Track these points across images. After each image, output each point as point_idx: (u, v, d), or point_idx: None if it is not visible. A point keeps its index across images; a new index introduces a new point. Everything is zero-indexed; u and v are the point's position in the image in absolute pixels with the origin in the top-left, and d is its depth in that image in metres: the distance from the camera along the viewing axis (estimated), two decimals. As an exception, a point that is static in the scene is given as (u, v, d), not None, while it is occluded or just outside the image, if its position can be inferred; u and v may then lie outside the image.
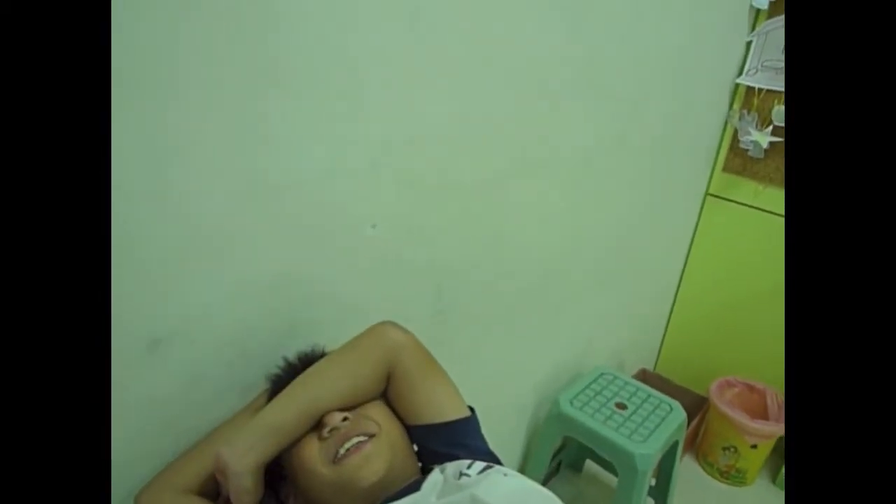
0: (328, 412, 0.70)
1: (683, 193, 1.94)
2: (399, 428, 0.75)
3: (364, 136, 0.83)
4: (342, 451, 0.67)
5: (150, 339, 0.70)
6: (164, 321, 0.71)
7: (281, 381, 0.75)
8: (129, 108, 0.59)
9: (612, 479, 1.74)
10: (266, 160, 0.73)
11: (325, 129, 0.78)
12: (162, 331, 0.71)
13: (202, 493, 0.69)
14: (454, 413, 0.76)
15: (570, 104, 1.20)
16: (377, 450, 0.68)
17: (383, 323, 0.79)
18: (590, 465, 1.91)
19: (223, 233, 0.72)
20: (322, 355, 0.79)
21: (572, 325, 1.65)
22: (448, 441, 0.74)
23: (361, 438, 0.68)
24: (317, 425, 0.70)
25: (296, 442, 0.69)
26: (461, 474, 0.67)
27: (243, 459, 0.65)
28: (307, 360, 0.78)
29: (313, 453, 0.68)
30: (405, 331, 0.79)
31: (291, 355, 0.81)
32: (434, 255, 1.04)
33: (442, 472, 0.70)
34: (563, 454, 1.89)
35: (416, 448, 0.78)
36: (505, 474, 0.67)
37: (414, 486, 0.67)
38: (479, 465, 0.68)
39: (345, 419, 0.69)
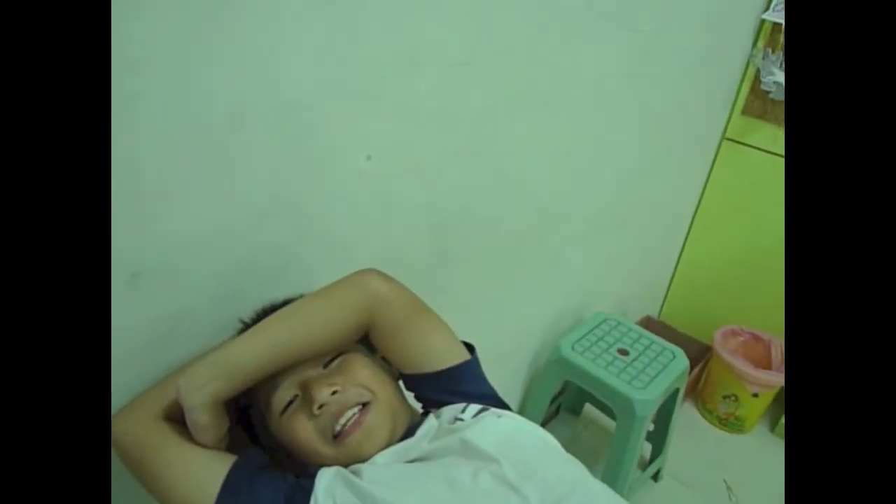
0: (315, 384, 0.66)
1: (698, 136, 1.86)
2: (390, 384, 0.72)
3: (361, 56, 0.77)
4: (338, 426, 0.64)
5: (130, 271, 0.67)
6: (146, 253, 0.67)
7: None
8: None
9: (610, 423, 1.75)
10: (255, 80, 0.67)
11: (319, 47, 0.71)
12: (143, 263, 0.67)
13: (180, 419, 0.65)
14: (451, 359, 0.72)
15: (583, 33, 1.12)
16: (377, 420, 0.65)
17: (365, 271, 0.73)
18: (588, 408, 1.92)
19: (209, 158, 0.67)
20: None
21: (575, 270, 1.61)
22: (446, 389, 0.71)
23: (356, 410, 0.65)
24: (305, 399, 0.65)
25: (287, 423, 0.66)
26: (455, 419, 0.66)
27: (198, 393, 0.61)
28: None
29: (309, 433, 0.65)
30: (389, 280, 0.73)
31: (279, 298, 0.77)
32: (433, 192, 0.99)
33: (437, 417, 0.68)
34: (563, 398, 1.90)
35: (413, 394, 0.75)
36: (499, 416, 0.65)
37: (409, 433, 0.66)
38: (474, 408, 0.66)
39: (334, 393, 0.64)
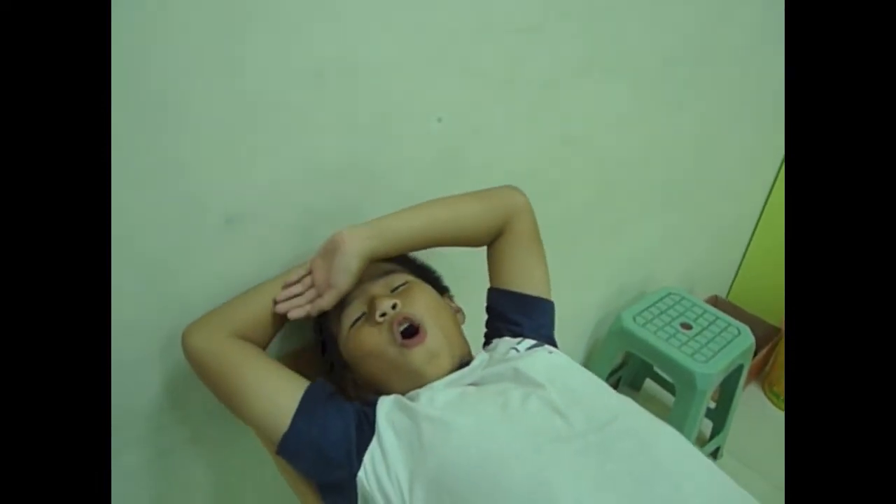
0: (379, 297, 0.71)
1: (777, 108, 1.79)
2: (450, 316, 0.76)
3: (432, 22, 0.81)
4: (401, 329, 0.69)
5: (225, 216, 0.75)
6: (239, 199, 0.75)
7: None
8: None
9: (670, 399, 1.74)
10: (334, 44, 0.73)
11: (394, 14, 0.76)
12: (236, 208, 0.75)
13: (249, 338, 0.73)
14: (541, 292, 0.80)
15: (652, 3, 1.10)
16: (438, 346, 0.70)
17: (514, 187, 0.84)
18: (649, 384, 1.91)
19: (293, 114, 0.74)
20: None
21: (639, 243, 1.60)
22: (521, 310, 0.78)
23: (414, 323, 0.70)
24: (370, 311, 0.71)
25: (354, 334, 0.72)
26: (510, 349, 0.70)
27: (361, 243, 0.69)
28: None
29: (374, 337, 0.70)
30: (529, 202, 0.83)
31: None
32: (498, 156, 1.03)
33: (492, 350, 0.72)
34: (623, 371, 1.90)
35: (491, 309, 0.82)
36: (550, 352, 0.69)
37: (465, 363, 0.70)
38: (529, 342, 0.71)
39: (394, 307, 0.70)
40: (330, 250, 0.71)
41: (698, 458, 0.56)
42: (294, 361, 0.84)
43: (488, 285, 0.85)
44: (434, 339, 0.70)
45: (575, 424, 0.57)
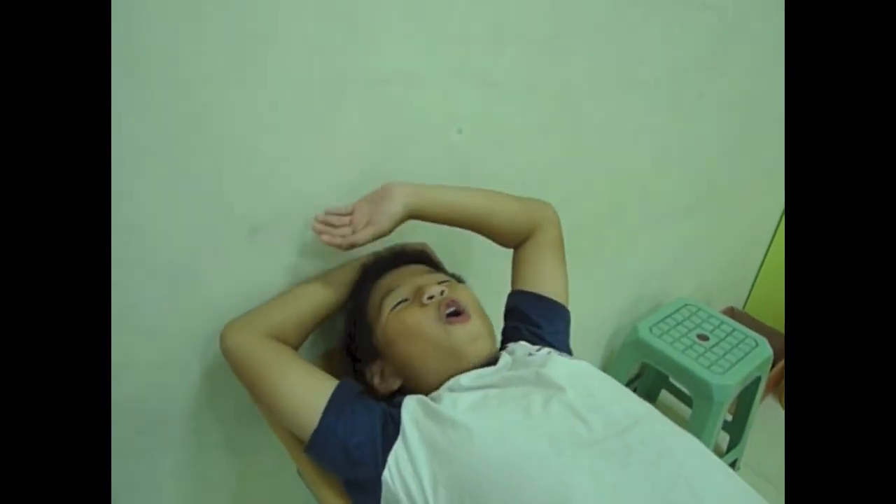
0: (426, 285, 0.74)
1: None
2: (485, 315, 0.78)
3: (452, 34, 0.83)
4: (448, 310, 0.71)
5: (250, 225, 0.77)
6: (264, 209, 0.77)
7: (369, 270, 0.81)
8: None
9: (686, 411, 1.73)
10: (356, 56, 0.75)
11: (415, 25, 0.78)
12: (261, 218, 0.77)
13: (284, 339, 0.75)
14: (561, 298, 0.84)
15: (666, 11, 1.12)
16: (480, 329, 0.73)
17: (546, 202, 0.90)
18: (664, 395, 1.90)
19: (315, 125, 0.76)
20: (417, 251, 0.86)
21: (654, 253, 1.60)
22: (542, 313, 0.81)
23: (460, 307, 0.72)
24: (416, 296, 0.74)
25: (396, 315, 0.74)
26: (528, 354, 0.71)
27: (408, 196, 0.74)
28: (399, 254, 0.84)
29: (418, 316, 0.72)
30: (557, 215, 0.90)
31: (384, 250, 0.86)
32: (515, 166, 1.04)
33: (511, 353, 0.73)
34: (639, 382, 1.89)
35: (504, 312, 0.85)
36: (571, 357, 0.70)
37: (492, 362, 0.72)
38: (545, 350, 0.72)
39: (442, 292, 0.73)
40: (378, 195, 0.76)
41: (719, 466, 0.56)
42: (326, 364, 0.86)
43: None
44: (476, 323, 0.72)
45: (596, 429, 0.58)
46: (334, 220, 0.76)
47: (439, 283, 0.75)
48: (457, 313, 0.72)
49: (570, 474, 0.53)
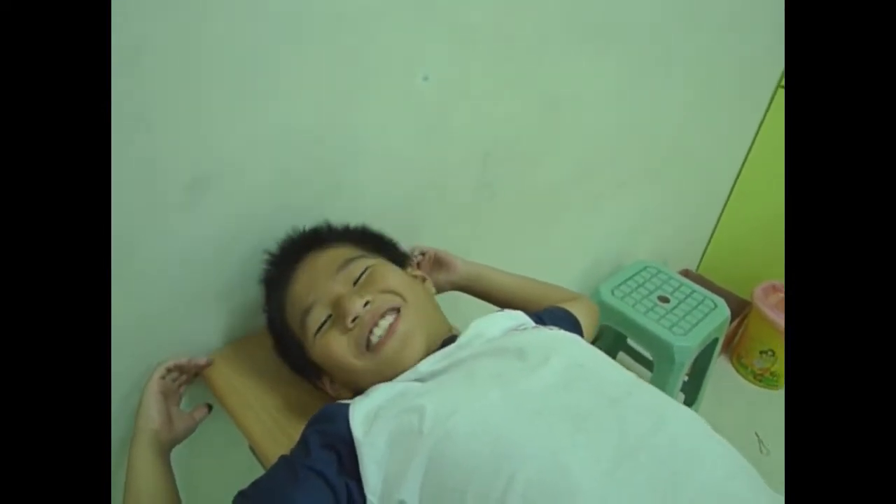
0: (347, 298, 0.63)
1: (753, 82, 1.78)
2: (423, 292, 0.71)
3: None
4: (374, 338, 0.63)
5: (189, 178, 0.67)
6: (205, 162, 0.68)
7: (273, 280, 0.72)
8: None
9: (644, 373, 1.75)
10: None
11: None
12: (202, 171, 0.68)
13: None
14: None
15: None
16: (410, 326, 0.64)
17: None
18: (622, 357, 1.92)
19: (266, 69, 0.67)
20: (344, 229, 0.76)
21: (616, 216, 1.58)
22: (546, 314, 0.79)
23: (390, 318, 0.64)
24: (338, 315, 0.64)
25: (321, 341, 0.65)
26: (511, 331, 0.66)
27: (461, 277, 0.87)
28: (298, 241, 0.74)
29: (343, 347, 0.63)
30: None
31: (333, 217, 0.77)
32: (483, 120, 0.97)
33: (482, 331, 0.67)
34: (597, 344, 1.89)
35: None
36: (551, 329, 0.66)
37: (448, 343, 0.65)
38: (531, 324, 0.67)
39: (366, 304, 0.63)
40: (443, 261, 0.86)
41: (713, 436, 0.54)
42: (243, 347, 0.80)
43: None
44: (408, 321, 0.64)
45: (583, 400, 0.54)
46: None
47: (360, 291, 0.65)
48: (382, 339, 0.63)
49: (565, 450, 0.48)
